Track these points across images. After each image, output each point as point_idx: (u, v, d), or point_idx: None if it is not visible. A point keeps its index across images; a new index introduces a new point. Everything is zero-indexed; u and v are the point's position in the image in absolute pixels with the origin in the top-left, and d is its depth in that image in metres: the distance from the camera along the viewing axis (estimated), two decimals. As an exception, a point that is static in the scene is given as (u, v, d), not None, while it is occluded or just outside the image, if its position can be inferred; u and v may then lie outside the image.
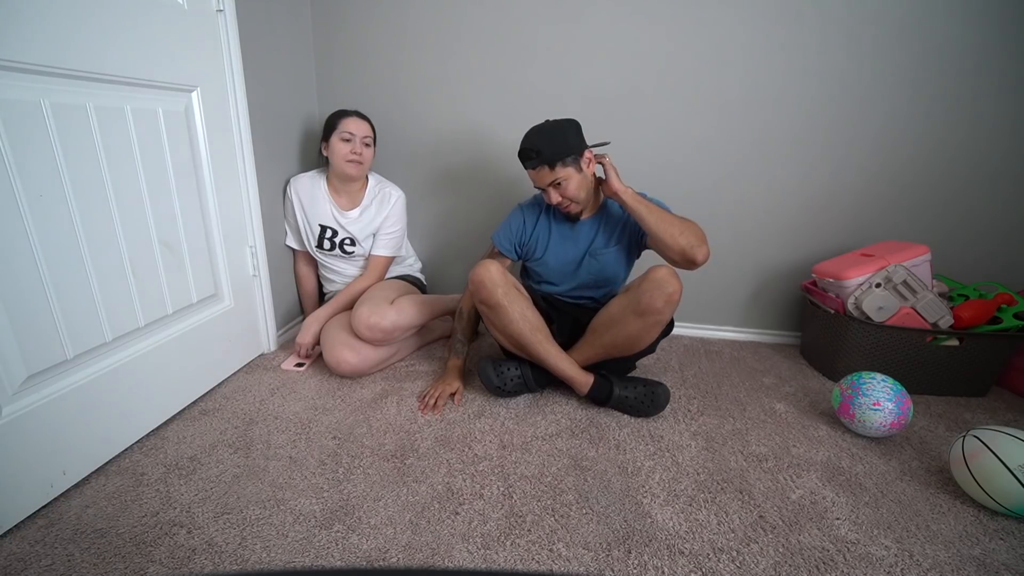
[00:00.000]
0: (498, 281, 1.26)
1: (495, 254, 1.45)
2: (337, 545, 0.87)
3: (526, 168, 1.27)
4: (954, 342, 1.44)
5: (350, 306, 1.56)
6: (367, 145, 1.50)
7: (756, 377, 1.58)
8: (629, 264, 1.44)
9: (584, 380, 1.31)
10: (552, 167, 1.22)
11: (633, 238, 1.37)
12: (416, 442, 1.17)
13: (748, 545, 0.90)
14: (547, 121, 1.27)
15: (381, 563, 0.84)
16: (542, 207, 1.42)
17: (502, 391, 1.35)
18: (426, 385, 1.44)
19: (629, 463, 1.12)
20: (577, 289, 1.44)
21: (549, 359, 1.30)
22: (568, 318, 1.40)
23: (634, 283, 1.25)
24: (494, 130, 1.76)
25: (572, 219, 1.36)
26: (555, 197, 1.26)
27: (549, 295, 1.46)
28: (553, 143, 1.22)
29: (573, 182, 1.25)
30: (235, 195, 1.40)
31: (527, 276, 1.53)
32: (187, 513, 0.93)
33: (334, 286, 1.69)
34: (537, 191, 1.35)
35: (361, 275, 1.62)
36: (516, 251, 1.44)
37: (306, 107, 1.73)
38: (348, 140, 1.47)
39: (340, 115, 1.50)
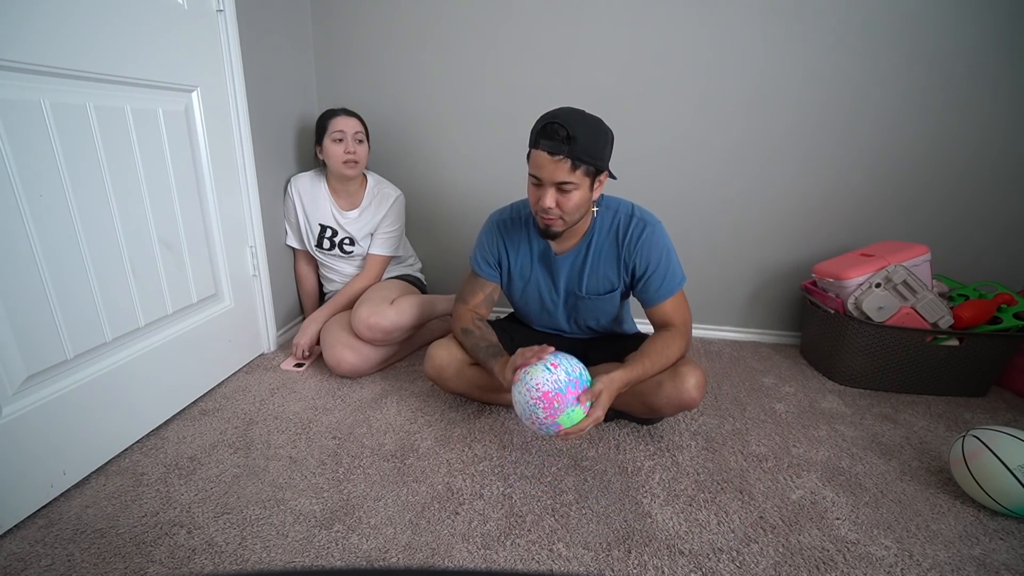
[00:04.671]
0: (446, 373, 1.21)
1: (475, 277, 1.25)
2: (337, 545, 0.87)
3: (539, 148, 0.96)
4: (954, 342, 1.44)
5: (349, 306, 1.56)
6: (360, 142, 1.50)
7: (756, 377, 1.58)
8: (625, 303, 1.28)
9: None
10: (574, 165, 0.96)
11: (625, 282, 1.18)
12: (416, 442, 1.17)
13: (748, 545, 0.90)
14: (585, 111, 0.99)
15: (381, 563, 0.84)
16: (524, 225, 1.18)
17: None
18: (426, 385, 1.44)
19: (629, 463, 1.12)
20: (564, 331, 1.31)
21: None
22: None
23: (656, 377, 1.09)
24: (494, 130, 1.76)
25: (547, 235, 1.08)
26: (548, 200, 0.99)
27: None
28: (591, 140, 0.96)
29: (578, 195, 1.00)
30: (235, 195, 1.40)
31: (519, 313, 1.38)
32: (187, 513, 0.93)
33: (334, 285, 1.69)
34: (515, 204, 1.20)
35: (359, 274, 1.62)
36: (498, 271, 1.24)
37: (306, 107, 1.73)
38: (340, 140, 1.46)
39: (328, 115, 1.49)
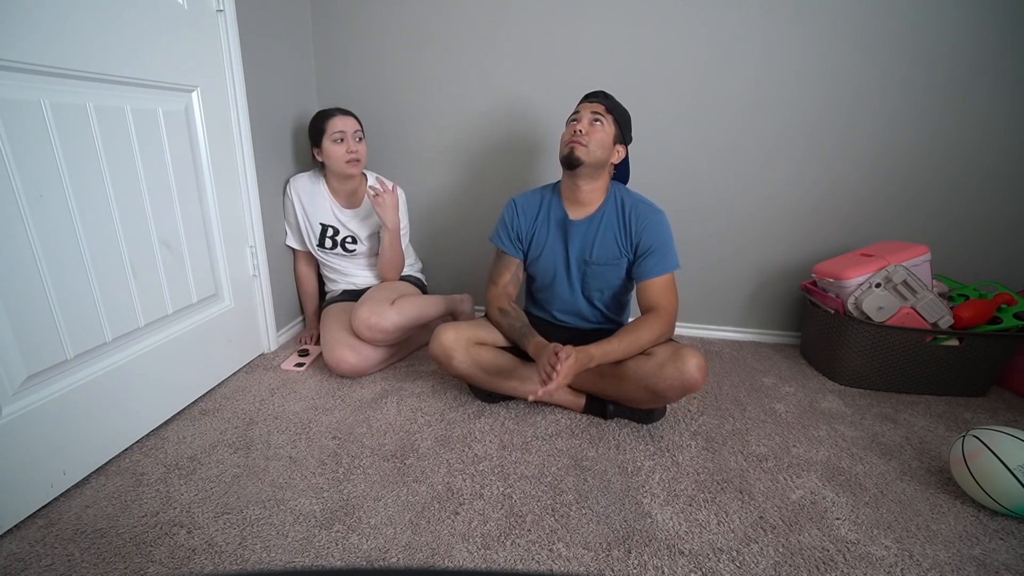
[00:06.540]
0: (452, 351, 1.23)
1: (500, 257, 1.36)
2: (337, 545, 0.87)
3: (583, 100, 1.26)
4: (954, 342, 1.44)
5: (373, 253, 1.59)
6: (359, 140, 1.50)
7: (756, 377, 1.58)
8: (629, 291, 1.37)
9: (576, 403, 1.31)
10: (607, 109, 1.22)
11: (628, 259, 1.28)
12: (416, 442, 1.17)
13: (748, 545, 0.90)
14: None
15: (381, 563, 0.84)
16: (542, 199, 1.34)
17: (492, 398, 1.35)
18: (426, 385, 1.44)
19: (629, 463, 1.12)
20: (575, 309, 1.36)
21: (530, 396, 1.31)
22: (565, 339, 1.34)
23: (657, 360, 1.15)
24: (495, 129, 1.76)
25: (568, 163, 1.22)
26: (583, 123, 1.20)
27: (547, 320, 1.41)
28: (620, 109, 1.25)
29: (604, 134, 1.20)
30: (235, 195, 1.40)
31: (529, 300, 1.47)
32: (187, 513, 0.93)
33: (336, 285, 1.69)
34: (532, 189, 1.35)
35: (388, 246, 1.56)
36: (519, 246, 1.34)
37: (306, 107, 1.73)
38: (341, 140, 1.46)
39: (324, 116, 1.48)
